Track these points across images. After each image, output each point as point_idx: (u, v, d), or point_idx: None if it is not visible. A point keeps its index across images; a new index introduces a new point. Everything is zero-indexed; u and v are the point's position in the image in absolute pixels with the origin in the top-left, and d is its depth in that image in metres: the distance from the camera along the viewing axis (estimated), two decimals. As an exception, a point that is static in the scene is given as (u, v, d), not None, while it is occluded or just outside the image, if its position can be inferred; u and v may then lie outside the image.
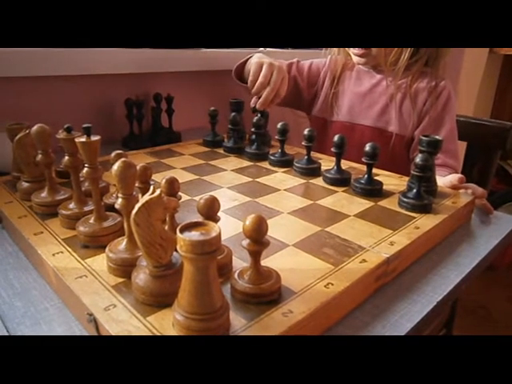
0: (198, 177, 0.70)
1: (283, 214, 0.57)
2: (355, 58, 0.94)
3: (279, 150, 0.77)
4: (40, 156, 0.54)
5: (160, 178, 0.53)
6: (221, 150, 0.86)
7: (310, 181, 0.70)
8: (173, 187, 0.45)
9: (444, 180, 0.70)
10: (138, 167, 0.46)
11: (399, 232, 0.52)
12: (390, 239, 0.50)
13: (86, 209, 0.51)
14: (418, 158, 0.57)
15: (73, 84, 0.93)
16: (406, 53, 0.87)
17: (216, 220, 0.42)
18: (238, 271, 0.40)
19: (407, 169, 0.92)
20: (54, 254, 0.45)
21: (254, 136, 0.84)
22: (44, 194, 0.55)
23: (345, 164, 0.74)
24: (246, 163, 0.78)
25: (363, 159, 0.63)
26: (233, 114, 0.83)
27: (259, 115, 0.86)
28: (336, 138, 0.66)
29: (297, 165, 0.73)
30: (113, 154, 0.53)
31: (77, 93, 0.95)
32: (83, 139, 0.45)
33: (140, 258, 0.40)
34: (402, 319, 0.43)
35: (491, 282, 2.00)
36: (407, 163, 0.96)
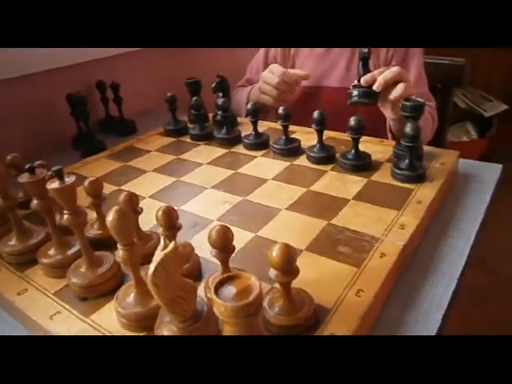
0: (174, 179, 0.65)
1: (281, 210, 0.54)
2: None
3: (253, 132, 0.72)
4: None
5: (135, 186, 0.49)
6: (187, 139, 0.80)
7: (294, 162, 0.66)
8: (171, 218, 0.40)
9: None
10: (123, 195, 0.41)
11: (404, 211, 0.51)
12: (399, 221, 0.49)
13: (70, 252, 0.46)
14: (408, 128, 0.55)
15: (2, 89, 0.81)
16: None
17: (231, 250, 0.38)
18: (267, 300, 0.38)
19: (383, 122, 0.91)
20: (51, 317, 0.40)
21: (219, 117, 0.78)
22: (13, 241, 0.48)
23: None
24: (218, 151, 0.73)
25: (348, 133, 0.60)
26: (194, 98, 0.76)
27: (221, 95, 0.80)
28: (316, 114, 0.63)
29: (276, 146, 0.69)
30: (86, 183, 0.46)
31: (9, 98, 0.83)
32: (56, 185, 0.38)
33: (161, 313, 0.36)
34: (432, 306, 0.42)
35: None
36: (382, 116, 0.94)
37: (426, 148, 0.66)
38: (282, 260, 0.34)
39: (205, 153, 0.73)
